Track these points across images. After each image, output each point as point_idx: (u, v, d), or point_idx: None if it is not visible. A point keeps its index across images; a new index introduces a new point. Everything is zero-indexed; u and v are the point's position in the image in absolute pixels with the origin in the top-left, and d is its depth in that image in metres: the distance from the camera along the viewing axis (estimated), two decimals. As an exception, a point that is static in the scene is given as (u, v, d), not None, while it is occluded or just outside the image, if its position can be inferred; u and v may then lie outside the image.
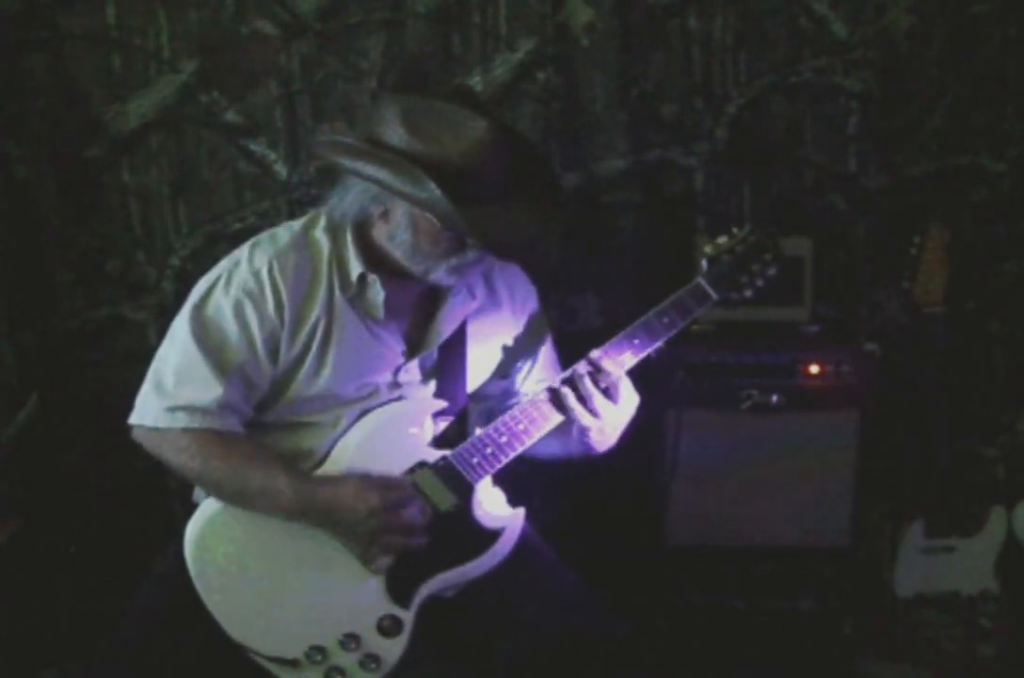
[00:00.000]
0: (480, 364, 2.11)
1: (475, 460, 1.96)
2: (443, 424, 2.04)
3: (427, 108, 1.82)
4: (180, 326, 1.93)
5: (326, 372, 1.95)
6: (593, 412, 1.94)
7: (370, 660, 1.89)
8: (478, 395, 2.14)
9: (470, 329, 2.08)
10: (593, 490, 2.63)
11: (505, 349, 2.13)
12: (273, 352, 1.93)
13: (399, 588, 1.92)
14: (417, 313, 2.03)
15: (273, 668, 1.88)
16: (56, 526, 2.71)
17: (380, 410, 2.00)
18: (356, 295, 1.94)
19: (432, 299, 2.03)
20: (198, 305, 1.93)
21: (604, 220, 2.76)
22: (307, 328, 1.93)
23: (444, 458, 1.97)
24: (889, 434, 2.68)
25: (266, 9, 2.59)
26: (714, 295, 1.98)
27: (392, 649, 1.90)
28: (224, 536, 1.93)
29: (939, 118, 2.71)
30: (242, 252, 1.95)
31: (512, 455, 1.97)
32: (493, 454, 1.96)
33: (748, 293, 2.01)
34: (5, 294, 2.67)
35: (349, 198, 1.91)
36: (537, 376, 2.14)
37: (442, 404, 2.03)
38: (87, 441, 2.73)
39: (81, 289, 2.70)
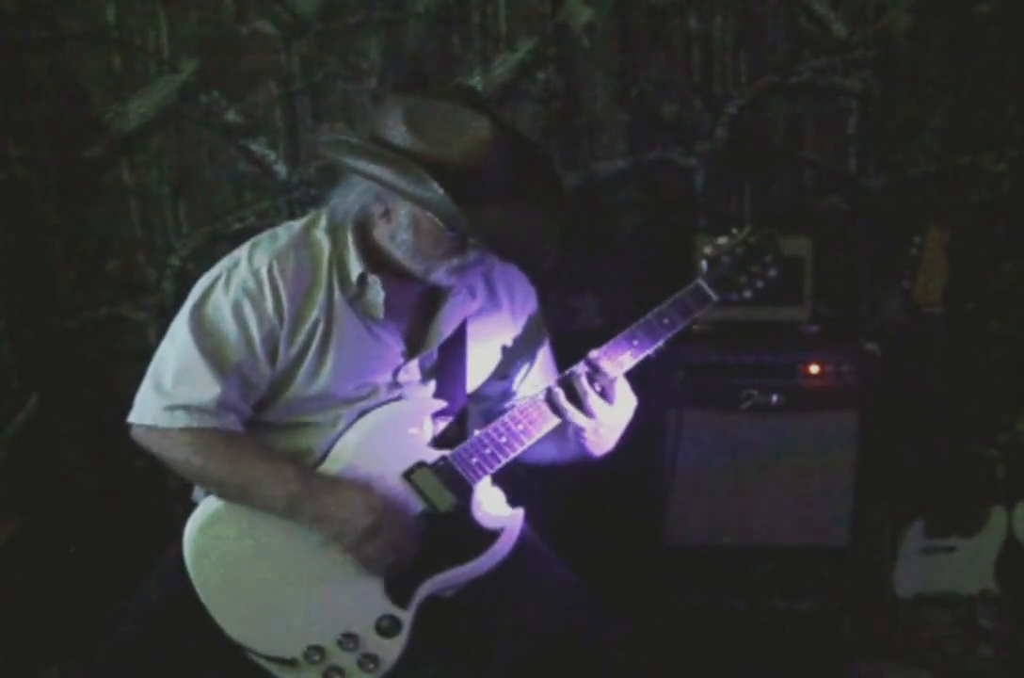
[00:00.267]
0: (480, 364, 2.11)
1: (474, 460, 1.96)
2: (442, 424, 2.04)
3: (429, 107, 1.82)
4: (179, 325, 1.93)
5: (325, 372, 1.95)
6: (588, 412, 1.93)
7: (368, 660, 1.89)
8: (477, 395, 2.14)
9: (470, 329, 2.08)
10: (593, 490, 2.62)
11: (504, 350, 2.13)
12: (272, 352, 1.93)
13: (398, 588, 1.92)
14: (417, 313, 2.03)
15: (272, 668, 1.89)
16: (56, 526, 2.71)
17: (379, 410, 2.00)
18: (356, 295, 1.94)
19: (432, 299, 2.03)
20: (198, 305, 1.92)
21: (604, 220, 2.76)
22: (306, 328, 1.93)
23: (443, 458, 1.97)
24: (889, 434, 2.68)
25: (266, 9, 2.59)
26: (714, 296, 1.98)
27: (391, 649, 1.90)
28: (223, 536, 1.93)
29: (939, 118, 2.70)
30: (242, 252, 1.95)
31: (511, 456, 1.97)
32: (492, 454, 1.96)
33: (748, 294, 2.01)
34: (5, 294, 2.67)
35: (351, 197, 1.91)
36: (535, 378, 2.14)
37: (441, 404, 2.03)
38: (87, 441, 2.73)
39: (81, 289, 2.70)
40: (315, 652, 1.88)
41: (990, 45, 2.66)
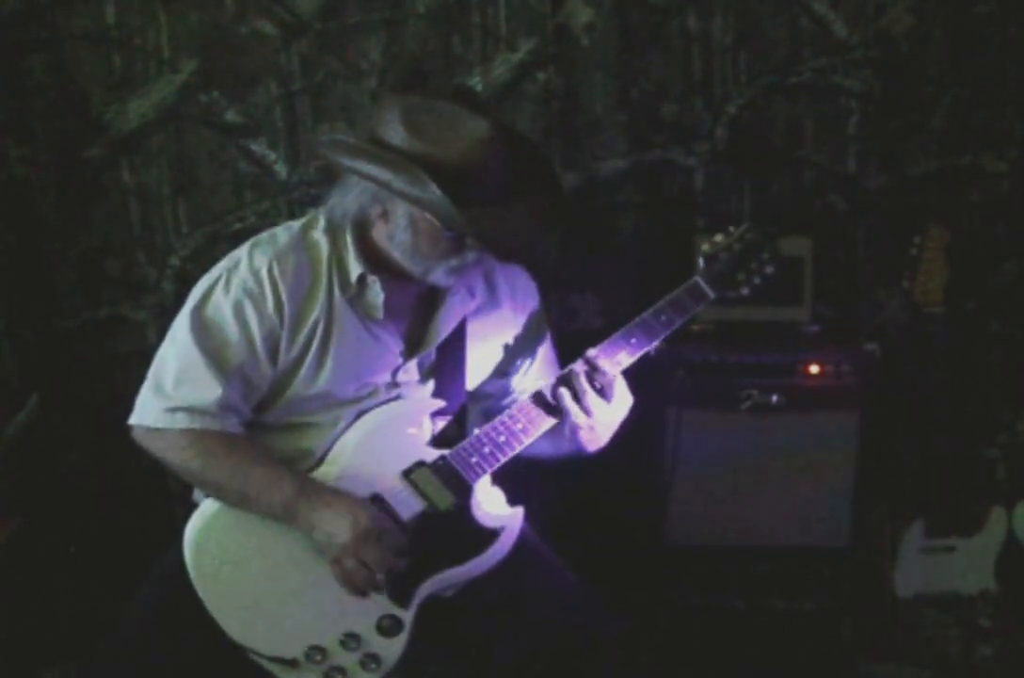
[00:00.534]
0: (479, 363, 2.11)
1: (473, 459, 1.96)
2: (441, 423, 2.04)
3: (428, 108, 1.82)
4: (180, 326, 1.93)
5: (325, 372, 1.95)
6: (586, 410, 1.94)
7: (370, 660, 1.89)
8: (477, 394, 2.14)
9: (470, 328, 2.08)
10: (592, 489, 2.62)
11: (505, 348, 2.13)
12: (273, 352, 1.93)
13: (398, 588, 1.92)
14: (416, 313, 2.03)
15: (273, 668, 1.88)
16: (56, 526, 2.71)
17: (378, 410, 2.00)
18: (355, 296, 1.94)
19: (431, 299, 2.03)
20: (198, 306, 1.92)
21: (604, 220, 2.76)
22: (307, 328, 1.93)
23: (442, 458, 1.97)
24: (889, 434, 2.68)
25: (266, 9, 2.59)
26: (711, 293, 1.98)
27: (392, 649, 1.90)
28: (223, 536, 1.93)
29: (939, 118, 2.70)
30: (241, 252, 1.95)
31: (510, 454, 1.97)
32: (491, 453, 1.96)
33: (745, 291, 2.01)
34: (5, 294, 2.67)
35: (349, 198, 1.90)
36: (536, 375, 2.14)
37: (440, 403, 2.03)
38: (87, 441, 2.73)
39: (81, 289, 2.71)
40: (316, 652, 1.88)
41: (990, 45, 2.66)
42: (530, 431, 1.97)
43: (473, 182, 1.78)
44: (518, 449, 1.97)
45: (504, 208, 1.83)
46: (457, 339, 2.06)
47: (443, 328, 2.03)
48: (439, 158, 1.77)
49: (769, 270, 2.01)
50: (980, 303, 2.80)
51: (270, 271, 1.90)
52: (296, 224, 2.00)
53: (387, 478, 1.95)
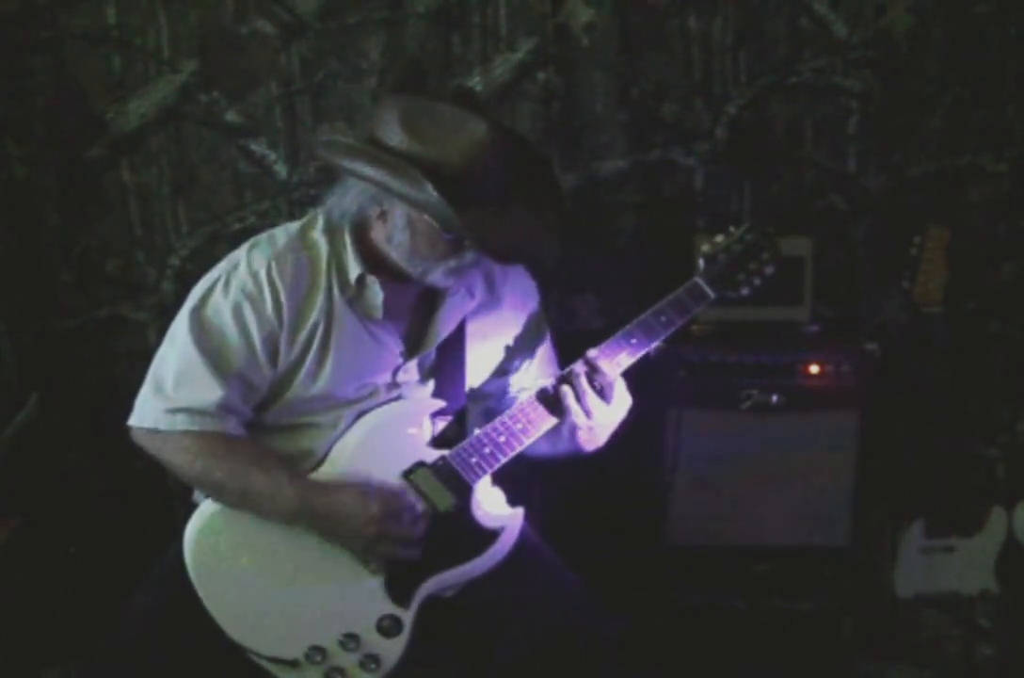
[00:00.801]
0: (479, 363, 2.11)
1: (473, 460, 1.96)
2: (442, 424, 2.04)
3: (427, 109, 1.82)
4: (179, 328, 1.93)
5: (325, 373, 1.95)
6: (586, 411, 1.94)
7: (370, 660, 1.89)
8: (477, 394, 2.14)
9: (470, 328, 2.08)
10: (592, 489, 2.63)
11: (505, 348, 2.13)
12: (272, 354, 1.93)
13: (399, 588, 1.92)
14: (415, 313, 2.03)
15: (273, 668, 1.88)
16: (56, 526, 2.71)
17: (378, 410, 2.00)
18: (355, 296, 1.94)
19: (430, 299, 2.03)
20: (197, 307, 1.92)
21: (604, 220, 2.76)
22: (306, 329, 1.93)
23: (443, 458, 1.97)
24: (889, 434, 2.67)
25: (266, 9, 2.59)
26: (712, 294, 1.98)
27: (392, 649, 1.90)
28: (223, 536, 1.93)
29: (939, 118, 2.70)
30: (240, 254, 1.95)
31: (511, 455, 1.97)
32: (491, 454, 1.96)
33: (745, 292, 2.01)
34: (5, 294, 2.67)
35: (348, 199, 1.91)
36: (535, 375, 2.14)
37: (440, 404, 2.03)
38: (87, 441, 2.73)
39: (81, 289, 2.70)
40: (316, 652, 1.88)
41: (990, 45, 2.66)
42: (530, 431, 1.97)
43: (471, 184, 1.78)
44: (518, 449, 1.97)
45: (502, 209, 1.83)
46: (457, 339, 2.06)
47: (443, 328, 2.03)
48: (437, 160, 1.77)
49: (769, 271, 2.02)
50: (980, 303, 2.81)
51: (269, 272, 1.90)
52: (295, 225, 2.00)
53: (387, 478, 1.95)
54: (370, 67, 2.63)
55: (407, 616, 1.91)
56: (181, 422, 1.91)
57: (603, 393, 1.95)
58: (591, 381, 1.94)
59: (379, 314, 1.95)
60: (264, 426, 2.00)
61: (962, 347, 2.75)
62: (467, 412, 2.11)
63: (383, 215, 1.89)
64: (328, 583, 1.91)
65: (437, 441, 2.02)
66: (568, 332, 2.62)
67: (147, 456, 1.98)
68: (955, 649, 2.54)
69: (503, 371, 2.15)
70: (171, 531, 2.00)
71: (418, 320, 2.04)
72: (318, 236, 1.96)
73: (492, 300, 2.10)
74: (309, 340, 1.94)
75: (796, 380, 2.52)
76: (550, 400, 1.96)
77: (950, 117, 2.70)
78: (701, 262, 2.00)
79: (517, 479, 2.07)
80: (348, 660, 1.89)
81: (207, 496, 1.97)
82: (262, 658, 1.88)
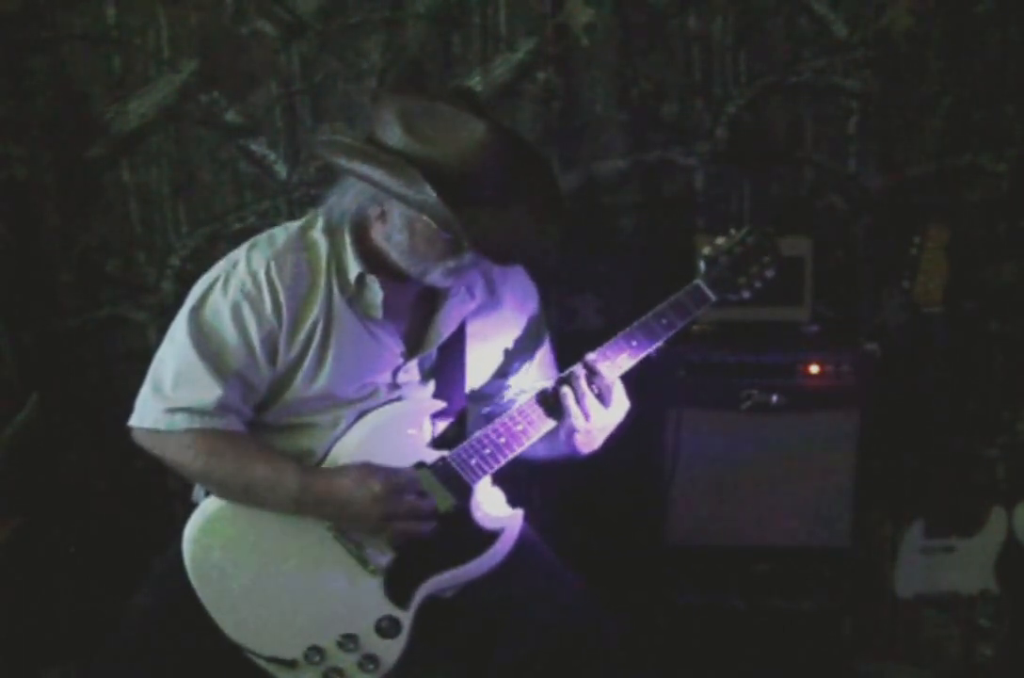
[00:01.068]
0: (479, 364, 2.11)
1: (473, 461, 1.96)
2: (442, 425, 2.04)
3: (426, 109, 1.82)
4: (178, 328, 1.93)
5: (325, 373, 1.95)
6: (585, 414, 1.94)
7: (368, 661, 1.89)
8: (477, 395, 2.15)
9: (470, 329, 2.08)
10: (592, 490, 2.63)
11: (505, 350, 2.13)
12: (271, 354, 1.93)
13: (398, 589, 1.92)
14: (416, 313, 2.03)
15: (271, 669, 1.89)
16: (56, 526, 2.71)
17: (379, 411, 2.00)
18: (354, 295, 1.94)
19: (431, 299, 2.03)
20: (196, 307, 1.92)
21: (604, 220, 2.76)
22: (306, 329, 1.93)
23: (442, 459, 1.97)
24: (889, 434, 2.68)
25: (266, 9, 2.59)
26: (712, 297, 1.99)
27: (391, 650, 1.90)
28: (223, 536, 1.94)
29: (939, 118, 2.70)
30: (240, 254, 1.95)
31: (510, 456, 1.97)
32: (491, 455, 1.96)
33: (746, 294, 2.01)
34: (5, 294, 2.67)
35: (347, 198, 1.91)
36: (534, 376, 2.14)
37: (441, 405, 2.03)
38: (87, 441, 2.73)
39: (81, 289, 2.70)
40: (315, 653, 1.88)
41: (990, 45, 2.66)
42: (530, 433, 1.97)
43: (470, 184, 1.78)
44: (518, 451, 1.97)
45: (501, 210, 1.83)
46: (457, 340, 2.06)
47: (443, 329, 2.03)
48: (436, 160, 1.77)
49: (770, 274, 2.02)
50: (980, 303, 2.80)
51: (268, 272, 1.90)
52: (294, 225, 2.00)
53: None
54: (370, 67, 2.63)
55: (406, 617, 1.91)
56: (181, 421, 1.91)
57: (601, 397, 1.94)
58: (590, 384, 1.94)
59: (379, 314, 1.95)
60: (264, 426, 2.00)
61: (962, 347, 2.75)
62: (467, 413, 2.11)
63: (383, 215, 1.89)
64: (327, 584, 1.91)
65: (437, 442, 2.02)
66: (568, 332, 2.63)
67: (147, 456, 1.98)
68: (955, 649, 2.54)
69: (502, 373, 2.15)
70: (171, 531, 2.00)
71: (418, 320, 2.04)
72: (318, 236, 1.96)
73: (492, 301, 2.09)
74: (308, 340, 1.94)
75: (796, 380, 2.52)
76: (549, 402, 1.96)
77: (950, 117, 2.70)
78: (702, 264, 2.00)
79: (517, 480, 2.07)
80: (347, 661, 1.89)
81: (207, 493, 1.97)
82: (261, 658, 1.88)
